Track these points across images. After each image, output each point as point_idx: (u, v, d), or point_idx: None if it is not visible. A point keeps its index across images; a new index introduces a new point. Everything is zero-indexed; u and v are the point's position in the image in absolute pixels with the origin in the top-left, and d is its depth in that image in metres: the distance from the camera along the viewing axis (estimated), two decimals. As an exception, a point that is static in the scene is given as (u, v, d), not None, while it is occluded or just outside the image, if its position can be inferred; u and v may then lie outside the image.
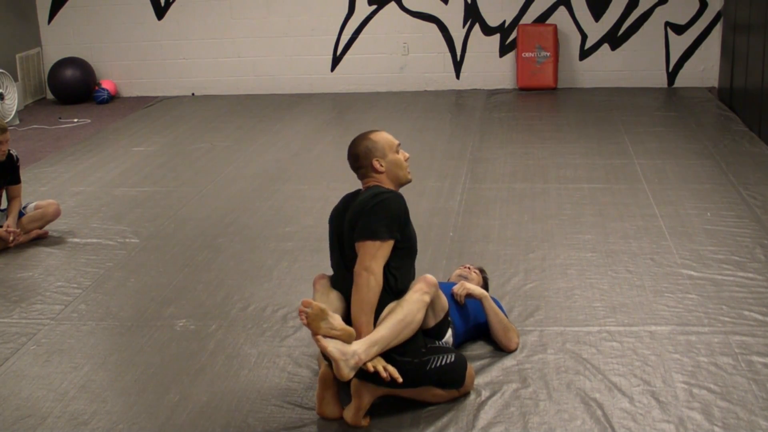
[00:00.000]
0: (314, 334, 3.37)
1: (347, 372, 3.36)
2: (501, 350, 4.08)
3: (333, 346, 3.35)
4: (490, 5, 10.21)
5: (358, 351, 3.38)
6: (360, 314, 3.49)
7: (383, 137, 3.79)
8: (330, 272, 3.84)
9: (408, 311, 3.50)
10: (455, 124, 8.84)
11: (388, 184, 3.75)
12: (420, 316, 3.54)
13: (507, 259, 5.20)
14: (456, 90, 10.38)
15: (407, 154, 3.84)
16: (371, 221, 3.56)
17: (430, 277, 3.64)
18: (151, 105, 10.35)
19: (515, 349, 4.09)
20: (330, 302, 3.57)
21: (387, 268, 3.58)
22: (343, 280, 3.69)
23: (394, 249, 3.59)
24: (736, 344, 4.07)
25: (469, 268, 4.42)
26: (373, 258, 3.51)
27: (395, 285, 3.61)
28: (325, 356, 3.46)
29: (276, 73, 10.67)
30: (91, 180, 7.31)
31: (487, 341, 4.16)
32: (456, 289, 4.07)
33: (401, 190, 3.80)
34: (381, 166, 3.74)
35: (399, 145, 3.82)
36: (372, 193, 3.66)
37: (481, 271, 4.47)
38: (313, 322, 3.35)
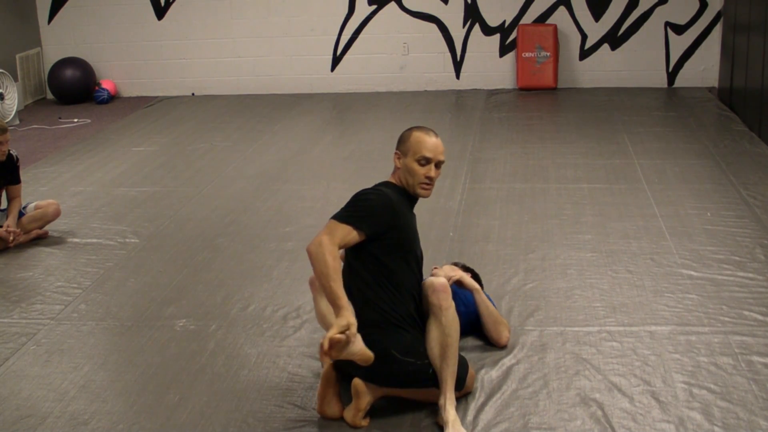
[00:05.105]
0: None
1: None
2: (500, 349, 4.08)
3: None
4: (490, 5, 10.21)
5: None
6: (321, 287, 3.40)
7: (417, 140, 3.66)
8: None
9: (456, 338, 3.50)
10: (455, 124, 8.84)
11: (399, 184, 3.70)
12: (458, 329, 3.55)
13: (507, 259, 5.20)
14: (456, 90, 10.38)
15: (433, 173, 3.65)
16: (341, 208, 3.55)
17: (442, 283, 3.53)
18: (151, 105, 10.35)
19: (506, 344, 4.09)
20: None
21: (379, 263, 3.54)
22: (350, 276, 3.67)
23: (384, 248, 3.54)
24: (736, 344, 4.07)
25: (455, 265, 4.37)
26: (326, 233, 3.42)
27: (389, 280, 3.57)
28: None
29: (276, 73, 10.67)
30: (91, 180, 7.31)
31: (487, 342, 4.15)
32: (447, 271, 4.09)
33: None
34: (398, 161, 3.71)
35: (428, 159, 3.63)
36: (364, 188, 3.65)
37: (467, 269, 4.37)
38: (339, 352, 3.29)
